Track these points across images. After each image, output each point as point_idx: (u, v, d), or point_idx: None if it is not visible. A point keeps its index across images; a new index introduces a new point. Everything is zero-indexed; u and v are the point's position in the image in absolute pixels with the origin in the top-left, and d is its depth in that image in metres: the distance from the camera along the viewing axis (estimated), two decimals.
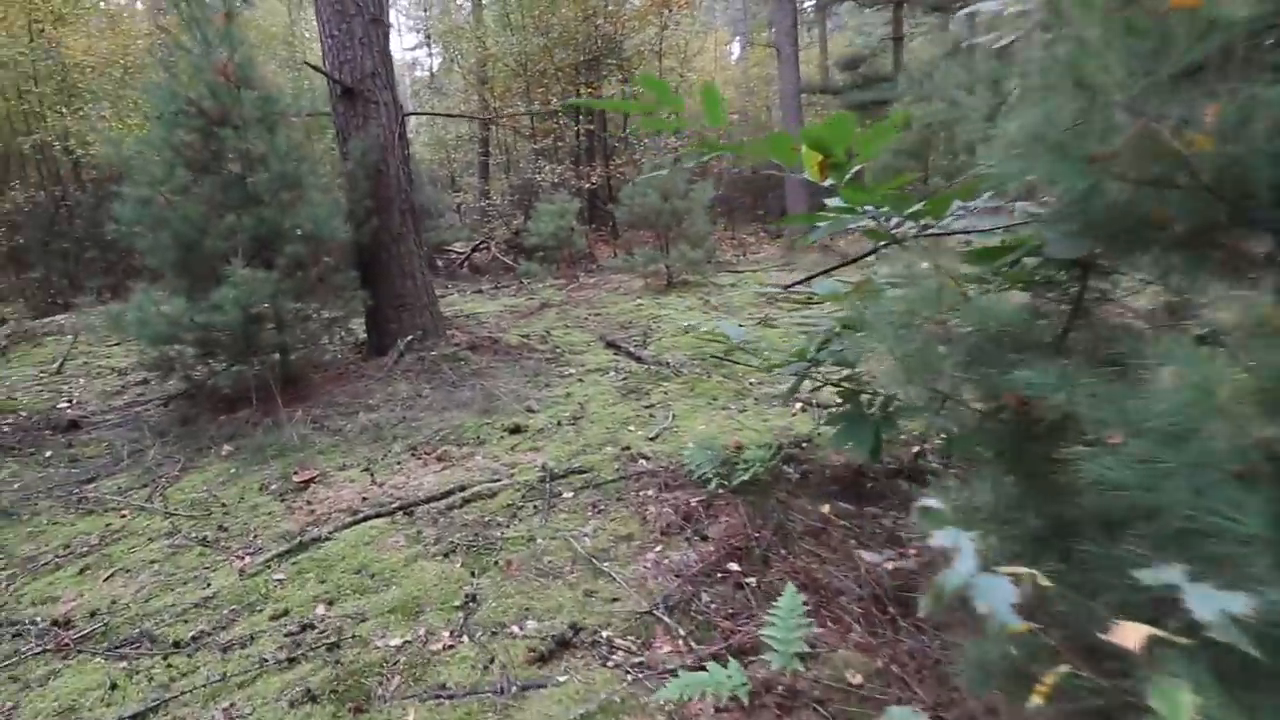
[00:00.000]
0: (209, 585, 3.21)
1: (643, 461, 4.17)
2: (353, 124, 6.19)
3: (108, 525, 4.00)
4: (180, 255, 5.10)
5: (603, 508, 3.62)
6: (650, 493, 3.72)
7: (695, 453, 3.80)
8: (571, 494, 3.84)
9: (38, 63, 14.10)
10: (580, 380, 6.01)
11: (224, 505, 4.10)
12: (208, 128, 5.13)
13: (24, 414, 6.60)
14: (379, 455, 4.64)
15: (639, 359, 6.57)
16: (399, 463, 4.46)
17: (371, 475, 4.30)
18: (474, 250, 16.14)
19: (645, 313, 8.86)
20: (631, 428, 4.74)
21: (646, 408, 5.17)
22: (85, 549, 3.72)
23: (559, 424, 4.91)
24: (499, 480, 4.03)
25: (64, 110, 14.00)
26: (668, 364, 6.25)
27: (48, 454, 5.26)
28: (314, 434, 5.05)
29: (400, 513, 3.71)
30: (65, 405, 6.84)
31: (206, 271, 5.16)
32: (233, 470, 4.60)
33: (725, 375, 5.80)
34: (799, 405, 4.92)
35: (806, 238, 13.85)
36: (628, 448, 4.36)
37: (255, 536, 3.67)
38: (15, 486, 4.66)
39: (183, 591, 3.20)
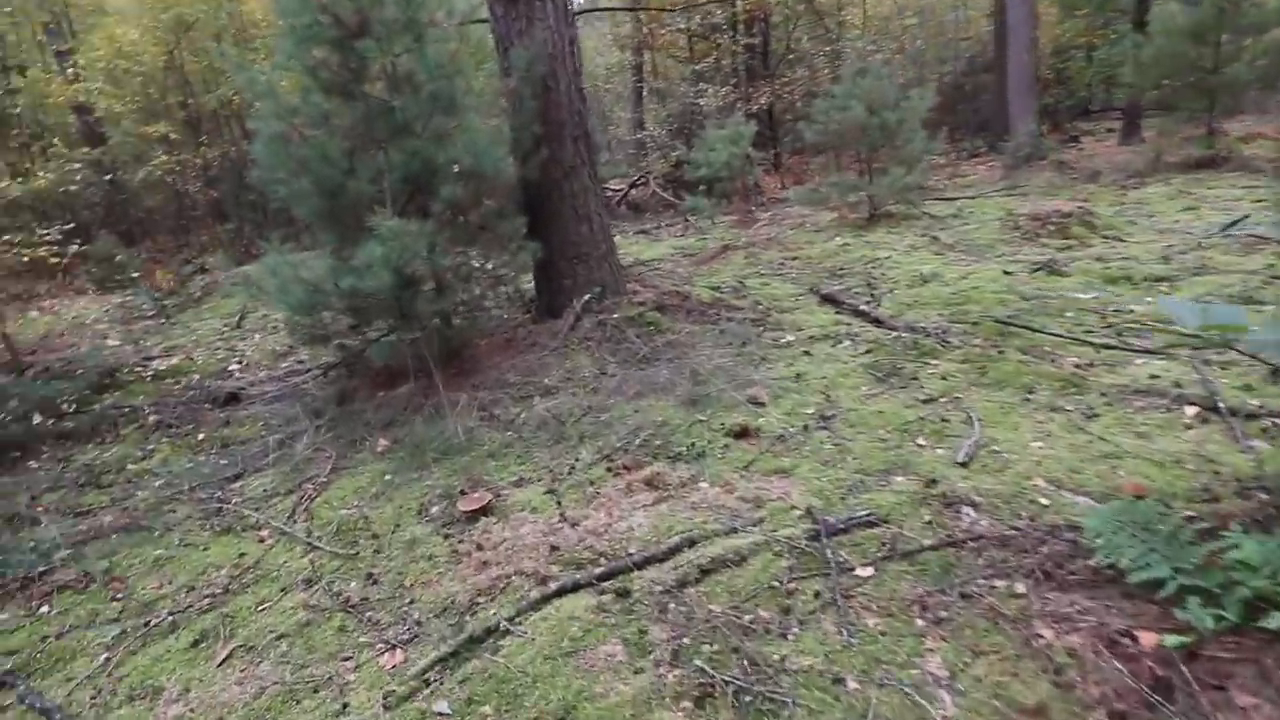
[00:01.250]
0: (344, 708, 2.05)
1: (967, 512, 2.57)
2: (515, 28, 4.79)
3: (241, 555, 3.04)
4: (324, 203, 4.01)
5: (940, 612, 2.10)
6: (1018, 586, 2.15)
7: (1096, 519, 2.14)
8: (869, 570, 2.34)
9: (220, 21, 14.03)
10: (807, 353, 4.42)
11: (375, 536, 3.00)
12: (345, 40, 3.91)
13: (195, 376, 6.10)
14: (564, 465, 3.37)
15: (877, 320, 4.86)
16: (592, 482, 3.16)
17: (558, 502, 3.03)
18: (632, 187, 14.68)
19: (855, 254, 7.02)
20: (920, 441, 3.13)
21: (925, 402, 3.52)
22: (208, 597, 2.76)
23: (805, 427, 3.39)
24: (744, 531, 2.60)
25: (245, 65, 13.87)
26: (924, 329, 4.50)
27: (200, 436, 4.52)
28: (481, 427, 3.89)
29: (609, 587, 2.38)
30: (235, 367, 6.28)
31: (353, 222, 4.04)
32: (387, 477, 3.53)
33: (1024, 351, 3.98)
34: (1189, 410, 3.06)
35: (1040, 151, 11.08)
36: (933, 481, 2.77)
37: (411, 603, 2.51)
38: (159, 482, 3.88)
39: (308, 709, 2.08)
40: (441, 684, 2.10)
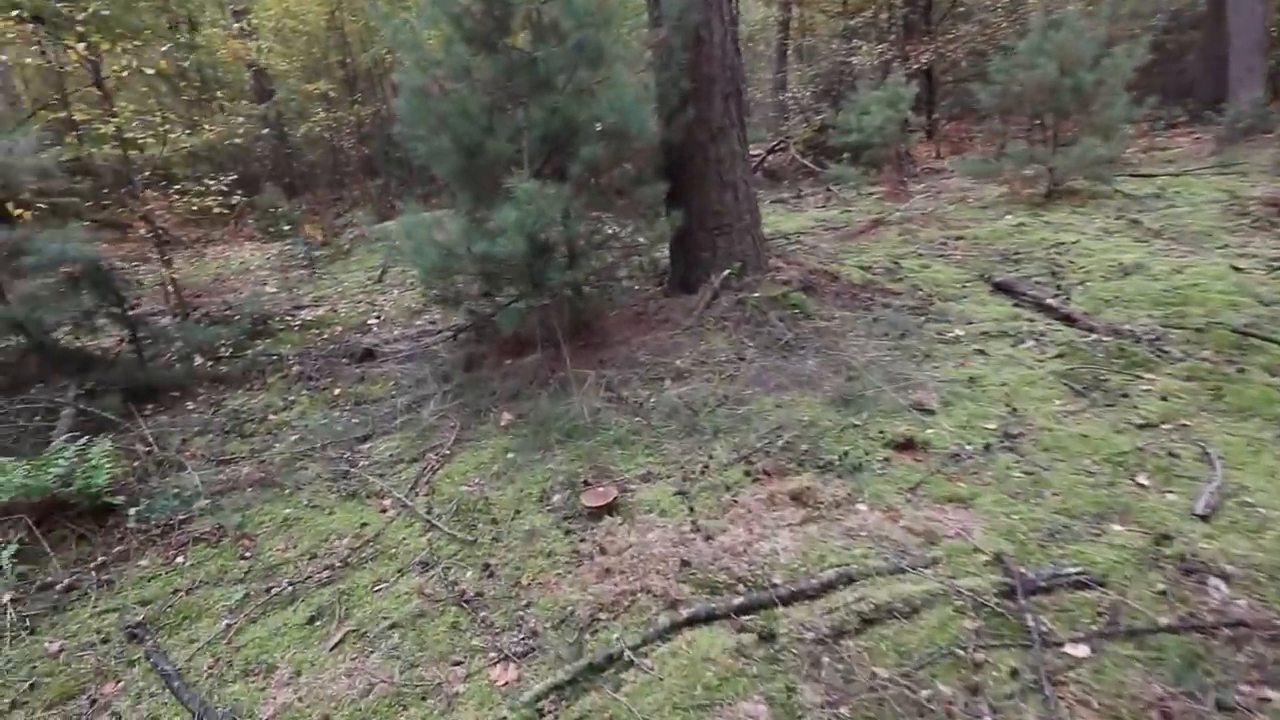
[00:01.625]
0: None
1: (1216, 585, 1.99)
2: None
3: (363, 526, 2.96)
4: (461, 162, 3.83)
5: None
6: None
7: None
8: (1084, 649, 1.84)
9: None
10: (981, 352, 3.80)
11: (494, 521, 2.82)
12: None
13: (337, 328, 6.29)
14: (696, 462, 3.04)
15: (1067, 318, 4.13)
16: (728, 486, 2.81)
17: (690, 507, 2.71)
18: (770, 152, 13.90)
19: (1033, 236, 6.12)
20: (1141, 479, 2.52)
21: (1142, 428, 2.87)
22: (328, 568, 2.68)
23: (986, 447, 2.86)
24: (914, 573, 2.16)
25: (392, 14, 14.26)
26: (1131, 333, 3.74)
27: (336, 392, 4.57)
28: (608, 409, 3.62)
29: (749, 623, 2.03)
30: (373, 321, 6.42)
31: (489, 183, 3.85)
32: (510, 455, 3.35)
33: (1271, 371, 3.18)
34: None
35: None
36: (1165, 537, 2.19)
37: (527, 606, 2.29)
38: (294, 437, 3.93)
39: (414, 718, 1.90)
40: (556, 718, 1.84)
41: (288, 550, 2.89)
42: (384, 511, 3.10)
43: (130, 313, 4.69)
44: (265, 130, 14.37)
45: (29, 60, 9.43)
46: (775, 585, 2.20)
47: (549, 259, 3.74)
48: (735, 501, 2.74)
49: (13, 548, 2.84)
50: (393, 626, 2.32)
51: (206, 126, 10.10)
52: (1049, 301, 4.40)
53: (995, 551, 2.22)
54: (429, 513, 3.00)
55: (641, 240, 4.44)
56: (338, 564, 2.73)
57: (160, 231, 6.18)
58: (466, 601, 2.40)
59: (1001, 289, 4.84)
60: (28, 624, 2.57)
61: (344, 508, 3.17)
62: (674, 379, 3.88)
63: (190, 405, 4.76)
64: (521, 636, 2.19)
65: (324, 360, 5.26)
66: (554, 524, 2.78)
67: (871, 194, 10.09)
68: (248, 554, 2.90)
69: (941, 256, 5.96)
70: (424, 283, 4.05)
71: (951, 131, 14.85)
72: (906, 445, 2.93)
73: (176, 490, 3.33)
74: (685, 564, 2.37)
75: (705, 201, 4.68)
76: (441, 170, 4.09)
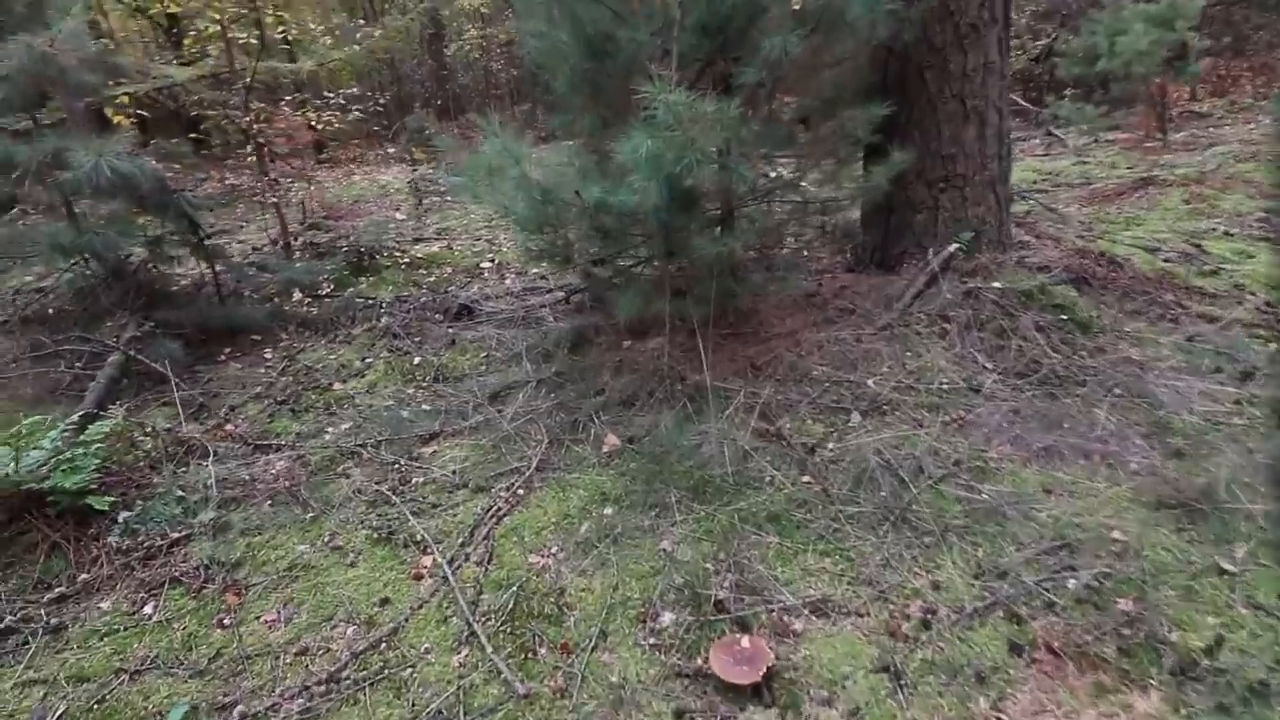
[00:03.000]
0: None
1: None
2: None
3: (384, 604, 1.96)
4: (583, 65, 2.61)
5: None
6: None
7: None
8: None
9: None
10: None
11: (565, 649, 1.72)
12: None
13: (447, 270, 5.44)
14: (910, 597, 1.74)
15: None
16: (979, 674, 1.49)
17: (902, 700, 1.41)
18: None
19: None
20: None
21: None
22: (321, 685, 1.68)
23: None
24: None
25: None
26: None
27: (416, 361, 3.64)
28: (760, 453, 2.38)
29: None
30: (486, 264, 5.49)
31: (619, 97, 2.61)
32: (608, 510, 2.23)
33: None
34: None
35: None
36: None
37: None
38: (346, 425, 3.02)
39: None
40: None
41: (274, 629, 1.95)
42: (419, 578, 2.09)
43: (206, 240, 3.97)
44: (422, 49, 13.81)
45: None
46: None
47: (695, 215, 2.47)
48: (1000, 712, 1.42)
49: None
50: None
51: (369, 31, 9.43)
52: None
53: None
54: (475, 602, 1.94)
55: (832, 194, 3.03)
56: (323, 682, 1.74)
57: (268, 148, 5.50)
58: None
59: None
60: None
61: (370, 558, 2.19)
62: (866, 411, 2.54)
63: (268, 354, 4.04)
64: None
65: (417, 313, 4.38)
66: (658, 682, 1.62)
67: (1111, 142, 7.80)
68: (227, 621, 2.00)
69: (1265, 239, 4.01)
70: (520, 237, 2.91)
71: (1208, 69, 11.55)
72: None
73: (182, 494, 2.51)
74: None
75: (931, 138, 3.16)
76: (558, 81, 2.88)
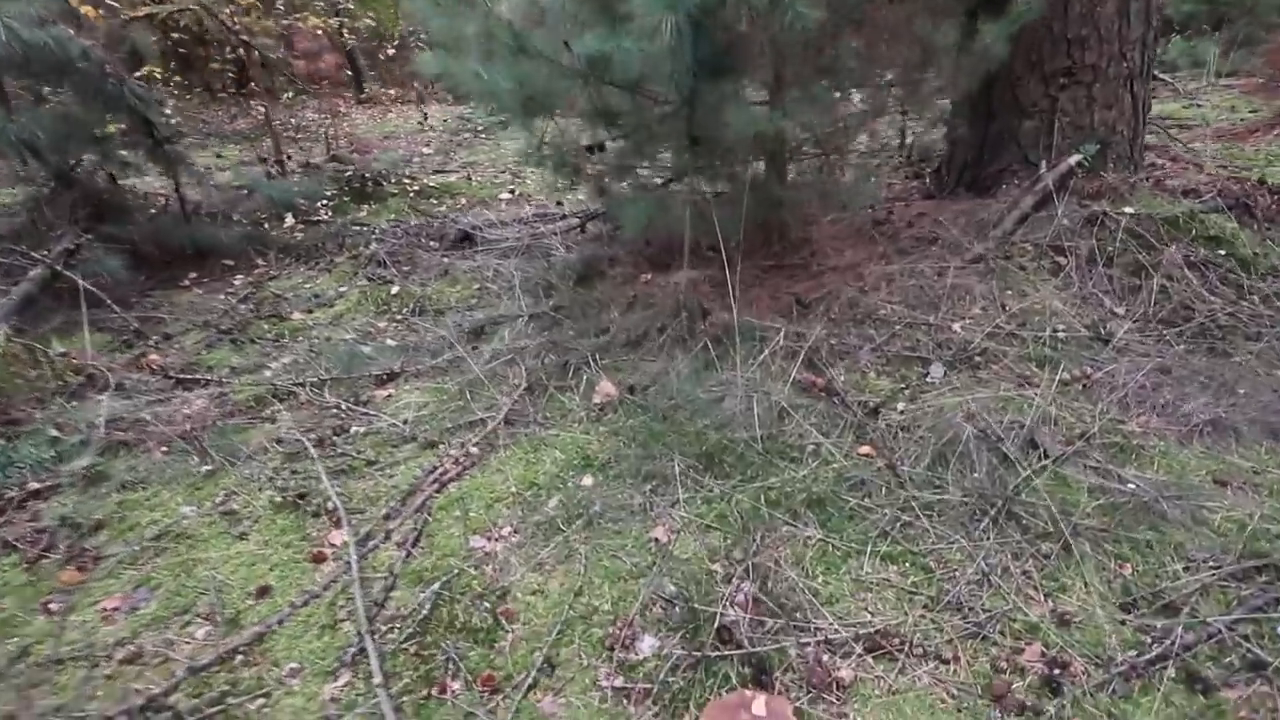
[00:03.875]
0: None
1: None
2: None
3: (261, 594, 1.45)
4: None
5: None
6: None
7: None
8: None
9: None
10: None
11: (487, 707, 1.09)
12: None
13: (461, 200, 4.87)
14: (1019, 634, 1.06)
15: None
16: None
17: None
18: None
19: None
20: None
21: None
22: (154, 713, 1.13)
23: None
24: None
25: None
26: None
27: (395, 290, 3.09)
28: (804, 410, 1.72)
29: None
30: (505, 195, 4.88)
31: None
32: (588, 481, 1.62)
33: None
34: None
35: None
36: None
37: None
38: (289, 359, 2.49)
39: None
40: None
41: (111, 620, 1.42)
42: (319, 561, 1.52)
43: (166, 144, 3.44)
44: None
45: None
46: None
47: (730, 80, 1.79)
48: None
49: None
50: None
51: None
52: None
53: None
54: (381, 602, 1.37)
55: (913, 86, 2.29)
56: (136, 711, 1.19)
57: (265, 62, 4.95)
58: None
59: None
60: None
61: (267, 529, 1.64)
62: (951, 363, 1.86)
63: (238, 280, 3.53)
64: None
65: (409, 240, 3.81)
66: None
67: (1228, 86, 6.73)
68: (55, 605, 1.47)
69: None
70: (508, 123, 2.28)
71: None
72: None
73: (58, 434, 2.00)
74: None
75: (1055, 14, 2.38)
76: None
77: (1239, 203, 2.38)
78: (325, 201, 4.62)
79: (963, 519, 1.42)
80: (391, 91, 12.39)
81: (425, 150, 7.58)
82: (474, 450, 1.82)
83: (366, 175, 5.10)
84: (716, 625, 1.21)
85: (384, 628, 1.32)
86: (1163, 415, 1.66)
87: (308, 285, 3.42)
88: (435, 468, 1.78)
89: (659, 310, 2.38)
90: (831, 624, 1.22)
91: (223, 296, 3.29)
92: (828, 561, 1.37)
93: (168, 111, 4.85)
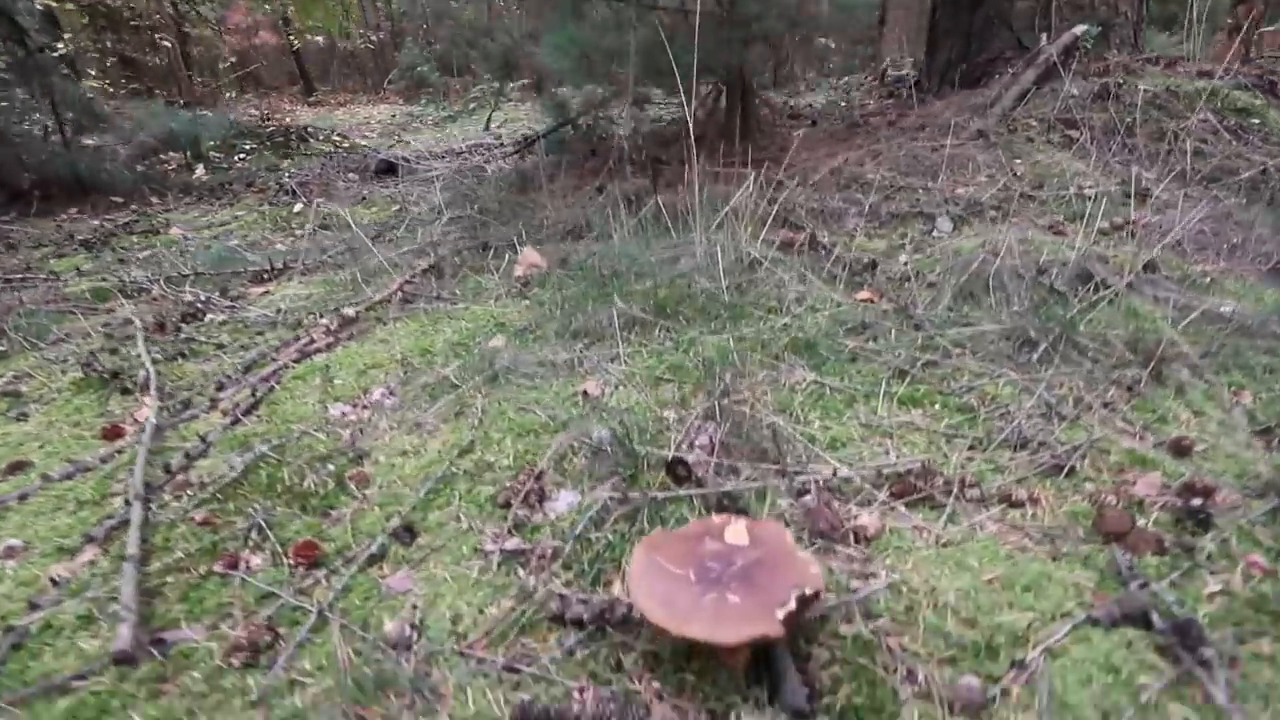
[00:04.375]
0: None
1: None
2: None
3: (14, 466, 0.90)
4: None
5: None
6: None
7: None
8: None
9: None
10: None
11: (304, 583, 0.62)
12: None
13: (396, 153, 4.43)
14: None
15: None
16: None
17: None
18: None
19: None
20: None
21: None
22: None
23: None
24: None
25: None
26: None
27: (296, 209, 2.66)
28: (783, 265, 1.32)
29: None
30: (441, 149, 4.46)
31: None
32: (499, 343, 1.18)
33: None
34: None
35: None
36: None
37: None
38: (146, 253, 2.01)
39: None
40: None
41: None
42: (114, 436, 1.06)
43: (39, 53, 2.95)
44: None
45: None
46: None
47: None
48: None
49: None
50: None
51: None
52: None
53: None
54: (180, 468, 0.91)
55: None
56: None
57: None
58: None
59: None
60: None
61: (58, 409, 1.21)
62: (960, 217, 1.50)
63: (124, 214, 3.03)
64: None
65: (328, 173, 3.36)
66: (503, 636, 0.57)
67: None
68: None
69: None
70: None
71: None
72: None
73: None
74: None
75: None
76: None
77: (1263, 80, 2.10)
78: (243, 156, 4.16)
79: (1006, 353, 1.03)
80: (342, 95, 11.89)
81: (368, 134, 7.15)
82: (352, 316, 1.38)
83: (292, 129, 4.66)
84: (670, 463, 0.79)
85: (169, 497, 0.87)
86: (1232, 258, 1.32)
87: (204, 218, 2.94)
88: (297, 339, 1.34)
89: (607, 203, 1.98)
90: (839, 468, 0.82)
91: (96, 223, 2.79)
92: (825, 406, 0.97)
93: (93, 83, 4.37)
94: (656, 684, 0.55)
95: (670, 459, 0.79)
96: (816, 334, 1.13)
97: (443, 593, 0.68)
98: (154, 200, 3.27)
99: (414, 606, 0.66)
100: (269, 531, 0.78)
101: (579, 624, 0.61)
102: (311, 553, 0.74)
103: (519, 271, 1.56)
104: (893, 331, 1.13)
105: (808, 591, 0.50)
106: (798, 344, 1.11)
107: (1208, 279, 1.24)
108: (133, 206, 3.08)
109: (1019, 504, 0.75)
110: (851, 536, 0.71)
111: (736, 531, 0.57)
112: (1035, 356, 1.01)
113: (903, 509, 0.76)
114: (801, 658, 0.55)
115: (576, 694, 0.53)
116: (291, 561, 0.74)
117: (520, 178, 2.60)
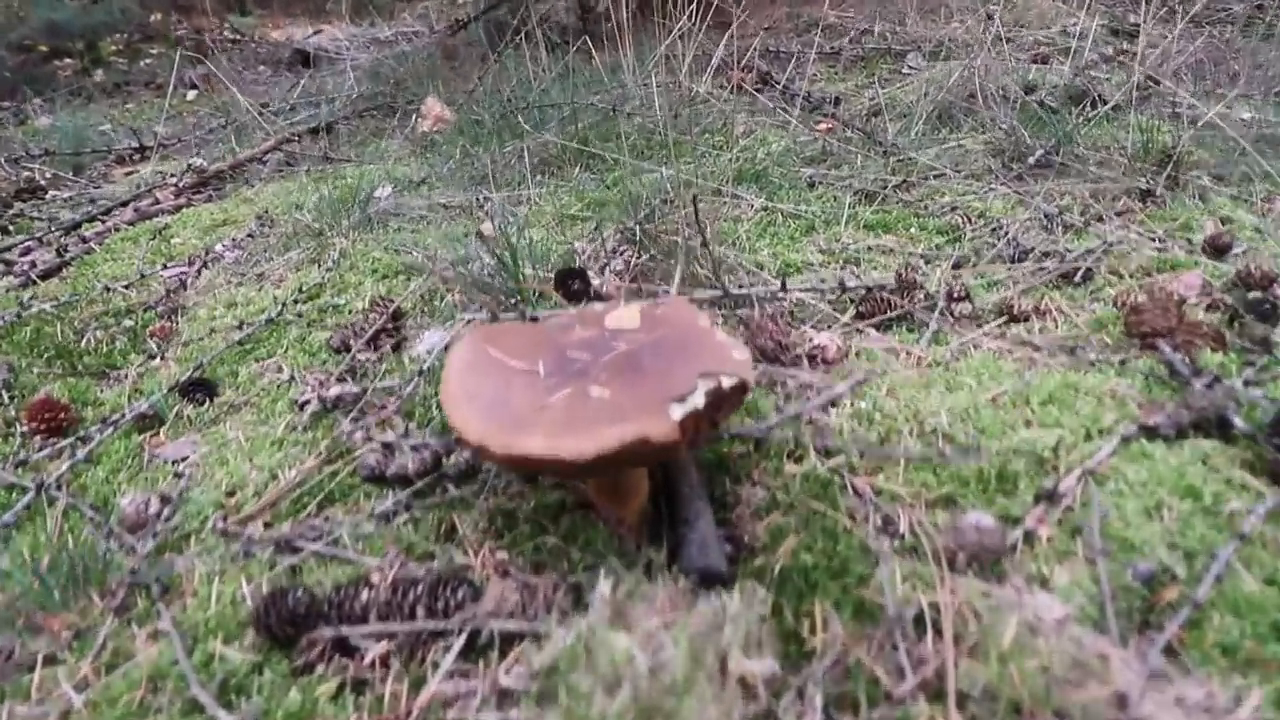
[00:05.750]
0: None
1: None
2: None
3: None
4: None
5: None
6: None
7: None
8: None
9: None
10: None
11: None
12: None
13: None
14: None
15: None
16: None
17: None
18: None
19: None
20: None
21: None
22: None
23: None
24: None
25: None
26: None
27: (190, 96, 2.28)
28: (732, 102, 1.07)
29: None
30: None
31: None
32: (385, 192, 0.91)
33: None
34: None
35: None
36: None
37: None
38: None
39: None
40: None
41: None
42: None
43: None
44: None
45: None
46: None
47: None
48: None
49: None
50: None
51: None
52: None
53: None
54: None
55: None
56: None
57: None
58: None
59: None
60: None
61: None
62: (932, 54, 1.27)
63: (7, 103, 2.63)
64: None
65: (235, 66, 2.96)
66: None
67: None
68: None
69: None
70: None
71: None
72: None
73: None
74: None
75: None
76: None
77: None
78: (149, 60, 3.67)
79: (994, 169, 0.83)
80: (279, 18, 10.94)
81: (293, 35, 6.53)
82: (205, 168, 1.11)
83: (204, 30, 4.14)
84: (559, 273, 0.58)
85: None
86: (1236, 82, 1.12)
87: (89, 119, 2.55)
88: (138, 199, 1.07)
89: (530, 51, 1.69)
90: (790, 292, 0.61)
91: None
92: (775, 233, 0.76)
93: None
94: (502, 553, 0.35)
95: (559, 271, 0.58)
96: (768, 163, 0.91)
97: (226, 458, 0.47)
98: (37, 101, 2.85)
99: (177, 476, 0.45)
100: (4, 392, 0.55)
101: (404, 480, 0.40)
102: (53, 415, 0.52)
103: (424, 127, 1.30)
104: (859, 158, 0.91)
105: (725, 383, 0.30)
106: (745, 174, 0.89)
107: (1217, 94, 1.04)
108: (5, 104, 2.67)
109: (1022, 317, 0.56)
110: (805, 361, 0.51)
111: (624, 315, 0.36)
112: (1029, 165, 0.81)
113: (873, 331, 0.56)
114: (726, 505, 0.36)
115: (375, 575, 0.33)
116: (26, 426, 0.51)
117: (445, 53, 2.28)
